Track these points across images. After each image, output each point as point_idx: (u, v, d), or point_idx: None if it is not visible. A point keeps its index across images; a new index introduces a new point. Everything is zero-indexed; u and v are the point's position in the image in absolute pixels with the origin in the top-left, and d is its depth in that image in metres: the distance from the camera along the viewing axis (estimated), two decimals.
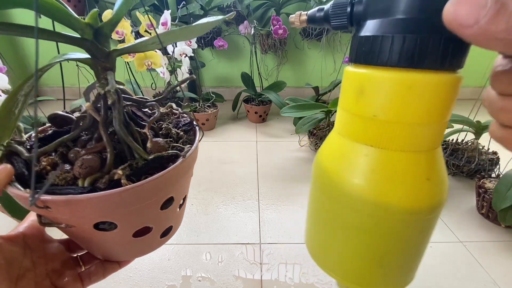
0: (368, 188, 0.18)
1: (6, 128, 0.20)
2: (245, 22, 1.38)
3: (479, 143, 0.90)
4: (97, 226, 0.21)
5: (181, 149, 0.24)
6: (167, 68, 1.05)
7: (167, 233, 0.27)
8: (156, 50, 0.96)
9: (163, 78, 1.06)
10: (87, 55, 0.23)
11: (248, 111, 1.44)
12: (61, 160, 0.22)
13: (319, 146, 1.15)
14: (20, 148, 0.22)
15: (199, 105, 1.32)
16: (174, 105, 0.30)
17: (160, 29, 0.96)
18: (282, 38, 1.42)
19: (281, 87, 1.41)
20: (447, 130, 0.93)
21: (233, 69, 1.70)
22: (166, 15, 0.87)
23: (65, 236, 0.27)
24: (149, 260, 0.64)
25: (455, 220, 0.76)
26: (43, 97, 1.56)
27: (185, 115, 0.30)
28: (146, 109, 0.29)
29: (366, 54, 0.17)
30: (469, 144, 0.93)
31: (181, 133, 0.27)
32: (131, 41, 0.79)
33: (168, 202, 0.24)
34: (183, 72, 1.07)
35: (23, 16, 1.52)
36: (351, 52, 0.19)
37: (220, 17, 0.25)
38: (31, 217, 0.27)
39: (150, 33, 0.82)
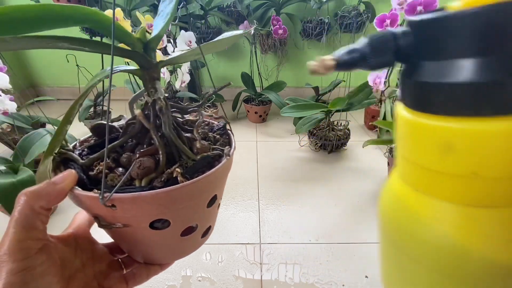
0: (485, 250, 0.16)
1: (61, 136, 0.21)
2: (245, 22, 1.38)
3: None
4: (151, 225, 0.22)
5: (221, 150, 0.26)
6: (167, 68, 1.05)
7: (206, 233, 0.28)
8: (156, 50, 0.96)
9: (163, 78, 1.06)
10: (132, 67, 0.25)
11: (248, 111, 1.44)
12: (114, 165, 0.23)
13: (319, 146, 1.15)
14: (75, 155, 0.24)
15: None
16: (203, 112, 0.32)
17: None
18: (282, 38, 1.42)
19: (281, 87, 1.41)
20: None
21: (233, 69, 1.70)
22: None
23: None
24: None
25: None
26: (43, 97, 1.56)
27: (211, 120, 0.32)
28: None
29: (447, 103, 0.14)
30: None
31: (217, 136, 0.29)
32: None
33: (212, 200, 0.26)
34: (183, 72, 1.07)
35: None
36: (405, 95, 0.16)
37: (241, 31, 0.27)
38: (79, 219, 0.27)
39: (150, 33, 0.82)
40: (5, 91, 0.79)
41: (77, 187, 0.21)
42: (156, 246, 0.25)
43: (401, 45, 0.15)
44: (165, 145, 0.24)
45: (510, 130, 0.13)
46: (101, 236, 0.27)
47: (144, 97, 0.25)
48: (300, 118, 1.09)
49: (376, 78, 1.01)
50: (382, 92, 1.25)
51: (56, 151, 0.23)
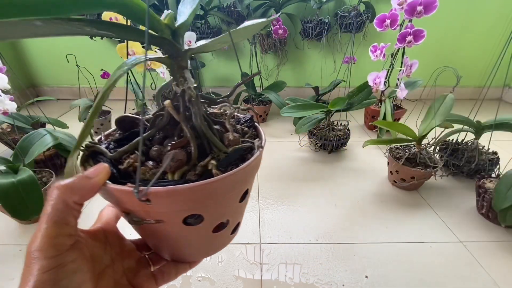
0: None
1: (88, 129, 0.21)
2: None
3: (479, 143, 0.90)
4: (184, 221, 0.22)
5: (251, 142, 0.25)
6: (166, 68, 1.05)
7: (236, 229, 0.28)
8: (156, 50, 0.96)
9: (163, 78, 1.06)
10: (157, 55, 0.24)
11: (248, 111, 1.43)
12: (144, 158, 0.22)
13: (319, 146, 1.15)
14: (104, 148, 0.23)
15: None
16: (230, 103, 0.31)
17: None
18: (282, 38, 1.42)
19: (281, 87, 1.41)
20: (447, 130, 0.92)
21: (233, 69, 1.70)
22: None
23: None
24: None
25: (455, 220, 0.76)
26: (43, 97, 1.56)
27: (236, 113, 0.31)
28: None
29: None
30: (469, 144, 0.93)
31: (246, 128, 0.28)
32: (135, 44, 0.79)
33: (244, 194, 0.25)
34: None
35: None
36: None
37: (265, 19, 0.27)
38: (106, 214, 0.26)
39: None
40: (5, 91, 0.79)
41: (108, 182, 0.20)
42: (187, 242, 0.25)
43: None
44: (196, 137, 0.23)
45: None
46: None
47: (172, 87, 0.24)
48: (300, 118, 1.09)
49: (376, 78, 1.01)
50: (382, 92, 1.25)
51: (84, 145, 0.23)
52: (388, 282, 0.59)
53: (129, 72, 1.13)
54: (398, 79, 1.04)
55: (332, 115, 1.08)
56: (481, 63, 1.67)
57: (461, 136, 0.95)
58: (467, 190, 0.89)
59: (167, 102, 0.23)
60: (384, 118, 1.16)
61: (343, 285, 0.59)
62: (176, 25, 0.22)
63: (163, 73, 1.04)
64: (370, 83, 1.03)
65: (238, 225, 0.28)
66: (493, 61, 1.64)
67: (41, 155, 0.91)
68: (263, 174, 0.97)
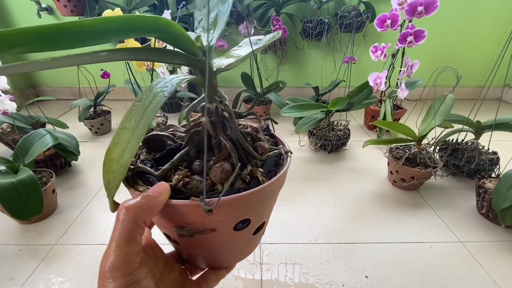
0: None
1: (131, 149, 0.21)
2: (245, 22, 1.38)
3: (479, 143, 0.90)
4: (235, 227, 0.23)
5: (276, 149, 0.27)
6: (167, 68, 1.05)
7: (264, 230, 0.30)
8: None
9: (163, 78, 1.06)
10: (192, 76, 0.25)
11: None
12: (190, 172, 0.24)
13: (319, 146, 1.14)
14: (148, 168, 0.24)
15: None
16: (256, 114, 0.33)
17: None
18: (282, 38, 1.41)
19: (281, 87, 1.41)
20: (447, 130, 0.92)
21: (233, 69, 1.70)
22: (167, 15, 0.88)
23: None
24: None
25: (455, 220, 0.76)
26: (43, 97, 1.56)
27: (249, 123, 0.33)
28: None
29: None
30: (469, 144, 0.93)
31: (267, 137, 0.30)
32: (130, 42, 0.79)
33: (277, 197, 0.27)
34: (183, 72, 1.07)
35: (22, 16, 1.52)
36: None
37: (280, 32, 0.30)
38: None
39: None
40: (5, 91, 0.79)
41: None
42: (230, 248, 0.26)
43: None
44: (235, 148, 0.25)
45: None
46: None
47: (207, 105, 0.25)
48: (300, 118, 1.09)
49: (377, 78, 1.01)
50: (383, 92, 1.25)
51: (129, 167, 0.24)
52: (388, 282, 0.59)
53: (129, 72, 1.13)
54: (398, 79, 1.04)
55: (332, 115, 1.08)
56: (481, 63, 1.67)
57: (461, 136, 0.95)
58: (467, 190, 0.89)
59: (204, 119, 0.24)
60: (384, 118, 1.16)
61: (343, 285, 0.59)
62: (206, 48, 0.24)
63: (163, 73, 1.04)
64: (371, 84, 1.03)
65: (266, 227, 0.30)
66: (493, 61, 1.64)
67: (41, 155, 0.91)
68: None
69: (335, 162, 1.05)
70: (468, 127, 0.89)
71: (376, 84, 1.01)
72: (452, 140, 0.97)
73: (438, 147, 0.96)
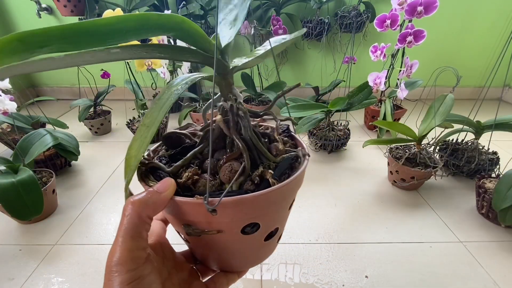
0: None
1: (146, 144, 0.22)
2: (245, 22, 1.38)
3: (479, 143, 0.90)
4: (242, 230, 0.23)
5: (293, 151, 0.26)
6: (167, 68, 1.05)
7: (280, 237, 0.28)
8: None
9: (163, 78, 1.06)
10: (206, 74, 0.25)
11: None
12: (200, 170, 0.24)
13: (319, 146, 1.14)
14: (161, 164, 0.24)
15: (199, 105, 1.32)
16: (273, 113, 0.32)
17: None
18: None
19: (281, 87, 1.41)
20: (447, 130, 0.92)
21: None
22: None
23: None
24: None
25: (455, 220, 0.76)
26: (43, 97, 1.56)
27: (268, 124, 0.32)
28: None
29: None
30: (469, 144, 0.93)
31: (285, 138, 0.29)
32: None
33: (292, 202, 0.26)
34: (183, 72, 1.07)
35: (22, 16, 1.52)
36: None
37: (304, 30, 0.28)
38: (156, 228, 0.27)
39: None
40: (5, 91, 0.79)
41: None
42: (240, 251, 0.25)
43: None
44: (247, 148, 0.24)
45: None
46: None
47: (222, 103, 0.25)
48: (300, 118, 1.09)
49: (377, 78, 1.01)
50: (383, 92, 1.25)
51: (141, 162, 0.24)
52: (388, 282, 0.59)
53: (129, 72, 1.13)
54: (398, 79, 1.04)
55: (332, 115, 1.08)
56: (481, 63, 1.67)
57: (461, 136, 0.95)
58: (467, 190, 0.89)
59: (218, 117, 0.24)
60: (384, 118, 1.16)
61: (343, 285, 0.59)
62: (222, 46, 0.24)
63: (163, 73, 1.04)
64: (371, 83, 1.03)
65: (282, 233, 0.28)
66: (493, 61, 1.64)
67: (41, 155, 0.91)
68: None
69: (335, 162, 1.05)
70: (468, 127, 0.89)
71: (376, 84, 1.01)
72: (452, 140, 0.97)
73: (438, 147, 0.96)
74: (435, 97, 0.86)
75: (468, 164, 0.89)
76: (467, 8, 1.52)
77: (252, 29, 1.32)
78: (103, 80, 1.22)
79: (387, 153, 0.91)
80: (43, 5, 1.47)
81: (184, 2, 1.32)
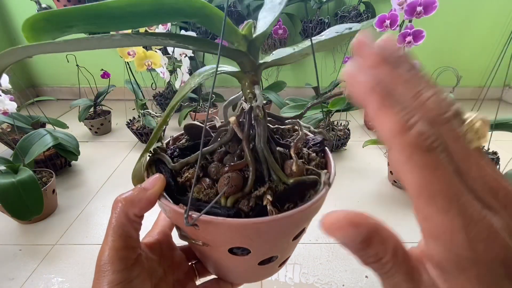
0: None
1: (158, 135, 0.21)
2: (245, 22, 1.38)
3: None
4: (230, 250, 0.21)
5: (317, 174, 0.22)
6: (167, 68, 1.05)
7: (284, 262, 0.26)
8: (156, 50, 0.96)
9: (163, 78, 1.06)
10: (232, 68, 0.22)
11: None
12: (202, 173, 0.22)
13: None
14: (167, 157, 0.23)
15: (199, 105, 1.32)
16: (301, 123, 0.28)
17: (160, 29, 0.96)
18: (282, 38, 1.41)
19: (281, 87, 1.41)
20: None
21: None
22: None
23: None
24: None
25: None
26: (43, 97, 1.56)
27: (306, 132, 0.28)
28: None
29: None
30: None
31: (313, 154, 0.24)
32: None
33: (299, 233, 0.23)
34: (183, 72, 1.07)
35: (22, 16, 1.52)
36: None
37: (359, 25, 0.23)
38: (162, 220, 0.26)
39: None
40: (5, 91, 0.79)
41: (165, 194, 0.20)
42: (231, 268, 0.24)
43: None
44: (256, 159, 0.21)
45: None
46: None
47: (241, 103, 0.23)
48: None
49: None
50: None
51: (152, 149, 0.23)
52: None
53: (129, 72, 1.13)
54: None
55: (332, 115, 1.08)
56: (481, 63, 1.67)
57: None
58: None
59: (232, 118, 0.21)
60: None
61: (343, 285, 0.59)
62: (253, 36, 0.21)
63: (163, 73, 1.04)
64: None
65: (287, 258, 0.26)
66: (493, 61, 1.64)
67: (41, 155, 0.91)
68: None
69: (335, 162, 1.05)
70: None
71: None
72: None
73: None
74: None
75: None
76: (467, 8, 1.52)
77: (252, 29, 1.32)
78: (103, 80, 1.22)
79: (387, 153, 0.91)
80: (43, 5, 1.47)
81: None
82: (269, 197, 0.19)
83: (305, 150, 0.25)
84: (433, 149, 0.11)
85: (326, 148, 0.26)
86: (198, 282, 0.28)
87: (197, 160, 0.22)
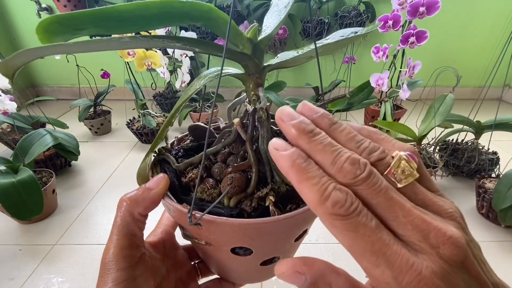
0: None
1: (163, 135, 0.22)
2: (245, 22, 1.38)
3: (479, 143, 0.90)
4: (233, 250, 0.21)
5: None
6: (167, 68, 1.05)
7: None
8: (156, 50, 0.96)
9: (163, 78, 1.06)
10: (235, 70, 0.23)
11: None
12: (205, 174, 0.22)
13: None
14: (172, 157, 0.23)
15: (199, 105, 1.32)
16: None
17: (161, 30, 0.96)
18: (282, 38, 1.42)
19: (281, 87, 1.41)
20: (447, 130, 0.93)
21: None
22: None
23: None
24: None
25: None
26: (43, 97, 1.56)
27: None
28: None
29: None
30: (469, 144, 0.93)
31: None
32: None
33: (301, 234, 0.23)
34: (183, 72, 1.07)
35: (22, 16, 1.52)
36: None
37: (364, 29, 0.24)
38: (166, 219, 0.27)
39: (150, 33, 0.82)
40: (5, 91, 0.79)
41: (169, 194, 0.20)
42: (233, 268, 0.24)
43: None
44: (259, 161, 0.21)
45: None
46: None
47: (245, 105, 0.23)
48: None
49: (379, 79, 1.01)
50: (385, 93, 1.25)
51: (157, 150, 0.23)
52: None
53: (129, 72, 1.13)
54: (400, 80, 1.04)
55: (332, 115, 1.08)
56: (481, 63, 1.67)
57: (461, 136, 0.95)
58: (467, 190, 0.89)
59: (236, 120, 0.22)
60: (384, 118, 1.16)
61: None
62: (258, 39, 0.21)
63: (163, 73, 1.04)
64: (373, 85, 1.03)
65: None
66: (493, 61, 1.64)
67: (41, 155, 0.91)
68: None
69: None
70: (468, 127, 0.89)
71: (378, 85, 1.01)
72: (452, 140, 0.97)
73: (438, 147, 0.96)
74: (435, 97, 0.86)
75: (468, 164, 0.89)
76: (468, 8, 1.52)
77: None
78: (103, 80, 1.22)
79: None
80: (43, 5, 1.47)
81: None
82: (271, 198, 0.19)
83: None
84: (350, 214, 0.12)
85: None
86: (201, 281, 0.28)
87: (201, 160, 0.22)
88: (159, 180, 0.20)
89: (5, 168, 0.70)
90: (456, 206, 0.14)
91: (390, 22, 0.98)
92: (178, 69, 1.10)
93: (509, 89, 1.72)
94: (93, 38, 0.16)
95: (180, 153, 0.24)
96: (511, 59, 0.69)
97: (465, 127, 0.88)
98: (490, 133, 0.84)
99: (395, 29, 0.98)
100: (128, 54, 0.93)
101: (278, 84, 1.43)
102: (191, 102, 1.47)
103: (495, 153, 0.92)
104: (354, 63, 1.44)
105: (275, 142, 0.14)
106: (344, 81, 1.38)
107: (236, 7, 1.38)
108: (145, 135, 1.15)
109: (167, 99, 1.42)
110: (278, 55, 0.23)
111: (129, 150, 1.15)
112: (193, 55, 1.10)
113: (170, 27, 1.03)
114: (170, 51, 1.10)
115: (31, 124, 1.02)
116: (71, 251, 0.68)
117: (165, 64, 1.00)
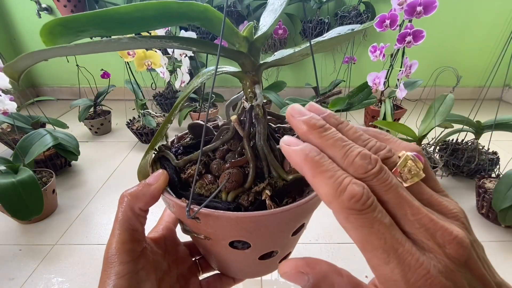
0: None
1: (163, 133, 0.22)
2: (245, 22, 1.38)
3: (479, 143, 0.90)
4: (231, 244, 0.21)
5: None
6: (167, 68, 1.05)
7: (285, 257, 0.26)
8: (156, 50, 0.96)
9: (163, 78, 1.06)
10: (232, 68, 0.23)
11: None
12: (204, 170, 0.23)
13: None
14: (172, 154, 0.23)
15: (199, 105, 1.32)
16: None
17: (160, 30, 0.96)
18: (282, 38, 1.42)
19: (281, 87, 1.41)
20: (447, 130, 0.93)
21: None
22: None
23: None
24: None
25: None
26: (43, 97, 1.56)
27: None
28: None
29: None
30: (469, 144, 0.93)
31: None
32: None
33: (299, 228, 0.23)
34: (183, 72, 1.07)
35: (22, 16, 1.52)
36: None
37: (360, 26, 0.25)
38: (167, 216, 0.27)
39: (150, 33, 0.82)
40: (5, 91, 0.79)
41: (168, 189, 0.21)
42: (232, 262, 0.25)
43: None
44: (256, 156, 0.22)
45: None
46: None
47: (242, 102, 0.23)
48: None
49: (376, 78, 1.01)
50: (382, 92, 1.25)
51: (157, 147, 0.24)
52: None
53: (129, 72, 1.13)
54: (398, 79, 1.04)
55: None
56: (481, 63, 1.67)
57: (461, 136, 0.95)
58: (467, 190, 0.89)
59: (233, 117, 0.22)
60: (384, 118, 1.16)
61: None
62: (254, 37, 0.21)
63: (163, 73, 1.04)
64: (370, 84, 1.03)
65: (289, 254, 0.27)
66: (493, 61, 1.64)
67: (41, 155, 0.91)
68: None
69: None
70: (468, 127, 0.89)
71: (375, 84, 1.01)
72: (452, 140, 0.97)
73: (438, 147, 0.96)
74: (435, 97, 0.86)
75: (468, 164, 0.89)
76: (468, 8, 1.52)
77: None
78: (103, 80, 1.22)
79: None
80: (43, 5, 1.47)
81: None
82: (268, 192, 0.20)
83: None
84: (366, 209, 0.12)
85: None
86: (201, 277, 0.28)
87: (200, 156, 0.23)
88: (159, 175, 0.21)
89: (5, 168, 0.70)
90: (461, 207, 0.14)
91: (388, 22, 0.98)
92: (178, 69, 1.10)
93: (509, 89, 1.72)
94: (93, 39, 0.16)
95: (180, 151, 0.25)
96: (511, 59, 0.69)
97: (465, 127, 0.88)
98: (490, 133, 0.84)
99: (392, 28, 0.98)
100: (128, 54, 0.93)
101: (278, 84, 1.44)
102: (191, 102, 1.47)
103: (495, 153, 0.92)
104: (354, 63, 1.44)
105: (286, 139, 0.15)
106: (344, 81, 1.38)
107: (236, 7, 1.39)
108: (145, 135, 1.15)
109: (167, 99, 1.42)
110: (274, 53, 0.24)
111: (129, 150, 1.15)
112: (192, 55, 1.10)
113: (170, 27, 1.03)
114: (169, 51, 1.10)
115: (31, 124, 1.02)
116: (71, 251, 0.68)
117: (165, 64, 1.01)
